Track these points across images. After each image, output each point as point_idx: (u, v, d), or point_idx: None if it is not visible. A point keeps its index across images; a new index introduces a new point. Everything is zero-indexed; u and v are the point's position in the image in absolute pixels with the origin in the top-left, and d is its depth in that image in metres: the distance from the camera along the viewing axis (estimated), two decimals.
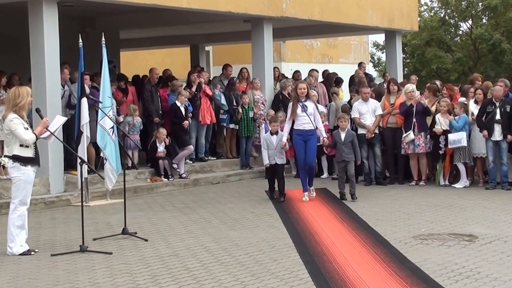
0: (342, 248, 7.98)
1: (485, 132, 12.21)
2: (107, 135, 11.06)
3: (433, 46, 32.77)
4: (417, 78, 18.49)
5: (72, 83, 13.22)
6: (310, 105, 11.23)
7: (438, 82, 15.38)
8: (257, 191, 13.07)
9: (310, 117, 11.10)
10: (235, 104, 15.57)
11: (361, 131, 13.46)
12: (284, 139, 11.29)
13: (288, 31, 20.19)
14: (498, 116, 12.17)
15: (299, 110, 11.13)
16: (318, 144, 11.83)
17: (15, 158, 7.93)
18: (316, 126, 11.25)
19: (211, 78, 17.26)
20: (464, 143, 12.40)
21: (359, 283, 6.51)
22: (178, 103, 14.22)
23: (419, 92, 14.02)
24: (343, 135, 11.60)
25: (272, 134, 11.57)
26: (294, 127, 11.23)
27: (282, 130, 14.93)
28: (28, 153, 8.00)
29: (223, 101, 15.37)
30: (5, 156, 8.00)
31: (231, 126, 15.57)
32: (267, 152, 11.52)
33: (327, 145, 11.99)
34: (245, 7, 15.26)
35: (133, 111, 13.83)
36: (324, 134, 11.51)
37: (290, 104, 11.39)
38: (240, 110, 15.28)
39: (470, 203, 10.94)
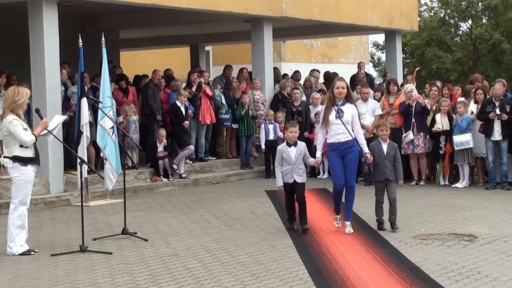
0: (342, 248, 7.98)
1: (491, 114, 12.16)
2: (107, 135, 11.06)
3: (433, 46, 32.78)
4: (417, 69, 18.39)
5: (73, 84, 13.25)
6: (348, 110, 8.70)
7: (438, 83, 15.39)
8: (257, 191, 13.07)
9: (346, 126, 8.65)
10: (235, 104, 15.60)
11: None
12: (319, 155, 8.92)
13: (288, 31, 20.20)
14: (497, 112, 12.14)
15: (332, 116, 8.66)
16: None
17: (15, 159, 7.93)
18: (353, 137, 8.76)
19: (211, 78, 17.27)
20: (471, 144, 12.43)
21: (359, 283, 6.51)
22: (178, 103, 14.22)
23: (418, 92, 14.04)
24: (384, 147, 9.07)
25: (289, 144, 8.93)
26: (327, 140, 8.84)
27: (281, 131, 15.21)
28: (29, 153, 8.00)
29: (224, 101, 15.38)
30: (5, 157, 8.00)
31: (234, 126, 15.55)
32: (281, 169, 8.94)
33: (368, 164, 9.19)
34: (245, 7, 15.26)
35: (129, 110, 13.82)
36: (366, 149, 8.83)
37: (323, 107, 9.20)
38: (246, 107, 15.23)
39: (470, 203, 10.94)
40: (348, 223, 8.79)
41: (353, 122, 8.71)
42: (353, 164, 8.78)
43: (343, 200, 8.95)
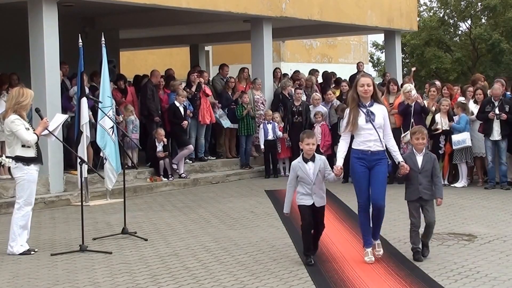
0: (342, 248, 7.99)
1: (491, 114, 12.17)
2: (107, 135, 11.07)
3: (432, 46, 32.81)
4: (413, 69, 18.46)
5: (71, 84, 13.27)
6: (379, 112, 7.26)
7: (437, 82, 15.42)
8: (256, 190, 13.08)
9: (378, 132, 7.20)
10: (233, 103, 15.62)
11: None
12: (340, 163, 7.23)
13: (287, 31, 20.22)
14: (497, 111, 12.16)
15: (361, 119, 7.22)
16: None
17: (18, 159, 7.94)
18: (384, 147, 7.32)
19: (210, 78, 17.27)
20: (468, 143, 12.45)
21: (359, 282, 6.52)
22: (177, 103, 14.24)
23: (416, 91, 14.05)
24: (419, 160, 7.47)
25: (306, 160, 7.30)
26: (353, 146, 7.33)
27: (281, 130, 15.24)
28: (31, 153, 8.01)
29: (227, 123, 15.35)
30: (8, 156, 8.01)
31: (232, 126, 15.56)
32: (294, 189, 7.37)
33: (402, 177, 7.48)
34: (245, 7, 15.27)
35: (125, 111, 13.83)
36: (400, 157, 7.37)
37: (347, 110, 7.40)
38: (247, 107, 15.25)
39: (469, 203, 10.95)
40: (377, 242, 7.41)
41: (384, 126, 7.29)
42: (383, 178, 7.28)
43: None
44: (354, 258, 7.44)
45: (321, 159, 7.32)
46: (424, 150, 7.55)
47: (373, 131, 7.22)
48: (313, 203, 7.24)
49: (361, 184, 7.28)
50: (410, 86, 13.49)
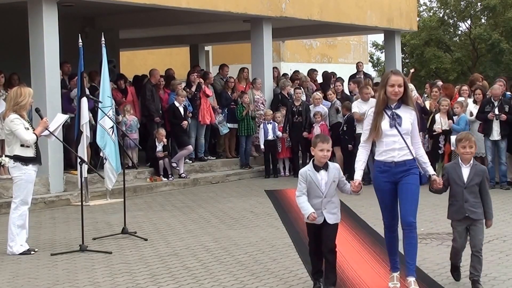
0: (341, 248, 7.96)
1: (490, 115, 12.19)
2: (107, 134, 11.07)
3: (432, 46, 32.84)
4: (412, 71, 18.49)
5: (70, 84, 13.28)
6: (406, 115, 6.17)
7: (439, 83, 15.42)
8: (256, 190, 13.09)
9: (405, 139, 6.12)
10: (233, 103, 15.64)
11: (359, 130, 13.47)
12: (358, 175, 6.20)
13: (287, 31, 20.22)
14: (496, 111, 12.17)
15: (385, 123, 6.14)
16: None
17: (17, 158, 7.95)
18: (414, 155, 6.18)
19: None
20: None
21: (358, 282, 6.52)
22: (177, 103, 14.25)
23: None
24: (465, 172, 6.33)
25: (317, 168, 6.19)
26: (376, 157, 6.25)
27: (281, 131, 15.25)
28: (29, 152, 8.02)
29: (225, 130, 15.37)
30: (6, 156, 8.02)
31: (225, 131, 15.56)
32: (306, 198, 6.20)
33: (436, 190, 6.37)
34: (245, 7, 15.28)
35: (125, 111, 13.84)
36: (431, 169, 6.30)
37: (370, 111, 6.31)
38: (247, 107, 15.26)
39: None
40: (412, 279, 6.16)
41: (412, 133, 6.18)
42: (413, 193, 6.13)
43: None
44: (354, 258, 7.45)
45: (335, 167, 6.21)
46: (472, 161, 6.36)
47: (398, 138, 6.09)
48: (324, 220, 6.11)
49: (386, 202, 6.22)
50: (411, 86, 13.50)
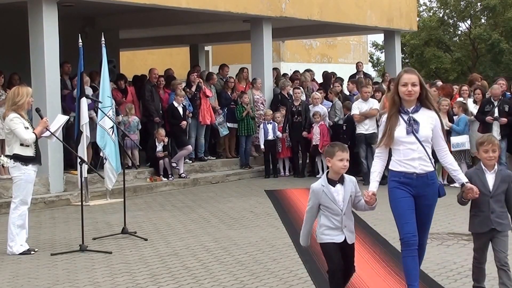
0: None
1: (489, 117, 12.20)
2: (107, 134, 11.08)
3: (432, 46, 32.85)
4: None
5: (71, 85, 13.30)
6: (426, 119, 5.54)
7: (439, 83, 15.43)
8: (256, 190, 13.09)
9: (425, 147, 5.50)
10: (233, 103, 15.65)
11: (359, 130, 13.52)
12: (373, 187, 5.55)
13: (287, 31, 20.23)
14: (496, 114, 12.20)
15: (400, 129, 5.53)
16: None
17: (16, 157, 7.95)
18: (434, 166, 5.61)
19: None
20: (467, 146, 12.46)
21: (358, 282, 6.52)
22: (176, 104, 14.26)
23: None
24: (490, 179, 5.74)
25: (332, 182, 5.52)
26: (391, 167, 5.64)
27: (280, 131, 15.27)
28: (29, 152, 8.02)
29: (225, 131, 15.37)
30: (6, 155, 8.02)
31: (225, 133, 15.55)
32: (314, 219, 5.65)
33: (464, 201, 5.76)
34: (245, 7, 15.28)
35: (128, 110, 13.85)
36: (464, 177, 5.63)
37: (384, 117, 5.71)
38: (247, 108, 15.26)
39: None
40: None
41: (434, 139, 5.55)
42: (431, 215, 5.67)
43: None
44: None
45: (351, 180, 5.54)
46: (496, 167, 5.75)
47: (417, 146, 5.46)
48: (345, 240, 5.47)
49: (404, 214, 5.50)
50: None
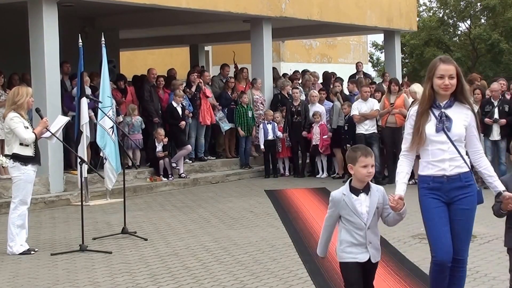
0: None
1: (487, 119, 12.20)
2: (107, 134, 11.08)
3: (432, 46, 32.86)
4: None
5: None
6: (460, 115, 4.93)
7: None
8: (256, 190, 13.09)
9: (457, 146, 4.88)
10: (233, 103, 15.65)
11: (359, 130, 13.52)
12: (400, 191, 4.86)
13: (287, 31, 20.23)
14: (496, 116, 12.21)
15: (430, 126, 4.90)
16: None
17: (15, 157, 7.96)
18: (469, 167, 4.94)
19: (209, 78, 17.28)
20: None
21: None
22: (175, 104, 14.27)
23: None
24: None
25: (355, 190, 4.74)
26: (420, 171, 5.01)
27: (280, 130, 15.26)
28: (28, 152, 8.02)
29: (226, 126, 15.36)
30: (5, 155, 8.03)
31: (227, 128, 15.55)
32: (333, 229, 4.94)
33: (502, 212, 5.07)
34: (244, 7, 15.29)
35: (131, 111, 13.87)
36: (501, 185, 4.94)
37: (412, 111, 5.04)
38: (241, 132, 15.29)
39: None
40: None
41: (468, 139, 4.93)
42: (469, 222, 5.00)
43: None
44: None
45: (379, 190, 4.76)
46: None
47: (449, 146, 4.84)
48: (369, 259, 4.71)
49: (437, 228, 4.89)
50: (417, 87, 13.47)
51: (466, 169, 4.88)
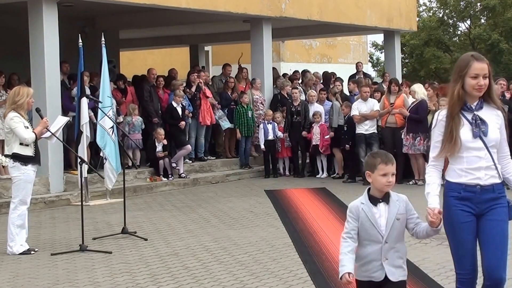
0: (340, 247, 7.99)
1: None
2: (107, 134, 11.08)
3: (432, 46, 32.87)
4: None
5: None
6: (492, 118, 4.45)
7: (435, 84, 15.45)
8: (256, 190, 13.10)
9: (492, 153, 4.42)
10: (233, 103, 15.66)
11: (359, 130, 13.53)
12: (434, 203, 4.43)
13: (287, 31, 20.24)
14: None
15: (466, 131, 4.41)
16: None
17: (15, 157, 7.96)
18: (501, 177, 4.48)
19: (210, 77, 17.29)
20: None
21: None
22: (174, 104, 14.28)
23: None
24: None
25: (374, 200, 4.26)
26: (448, 177, 4.52)
27: (281, 131, 15.27)
28: (28, 151, 8.03)
29: (226, 124, 15.36)
30: (5, 155, 8.03)
31: (227, 126, 15.55)
32: (355, 243, 4.25)
33: None
34: (244, 7, 15.29)
35: (132, 111, 13.88)
36: None
37: (440, 115, 4.52)
38: (239, 134, 15.29)
39: None
40: None
41: (500, 143, 4.48)
42: (503, 234, 4.41)
43: None
44: None
45: (400, 199, 4.29)
46: None
47: (485, 152, 4.38)
48: (386, 277, 4.16)
49: (464, 243, 4.44)
50: (418, 87, 13.47)
51: (499, 180, 4.44)
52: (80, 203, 8.85)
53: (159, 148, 13.74)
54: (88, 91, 12.68)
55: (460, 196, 4.40)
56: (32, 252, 8.08)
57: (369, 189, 4.27)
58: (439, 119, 4.47)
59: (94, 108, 12.20)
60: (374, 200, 4.23)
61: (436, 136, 4.48)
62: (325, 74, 18.65)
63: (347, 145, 13.86)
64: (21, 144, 7.98)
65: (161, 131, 13.84)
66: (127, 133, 12.73)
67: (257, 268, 7.12)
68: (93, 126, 12.00)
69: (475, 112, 4.39)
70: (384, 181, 4.18)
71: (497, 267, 4.35)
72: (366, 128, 13.49)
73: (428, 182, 4.52)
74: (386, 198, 4.24)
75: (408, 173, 13.29)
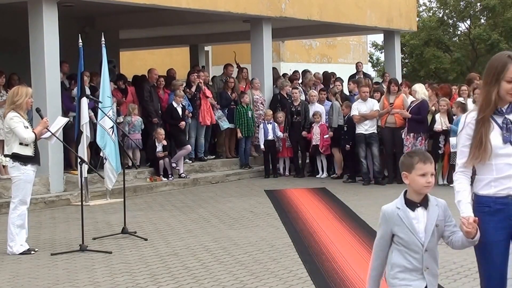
0: (341, 247, 8.01)
1: None
2: (107, 134, 11.09)
3: (432, 46, 32.85)
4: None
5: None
6: None
7: (435, 85, 15.47)
8: (256, 190, 13.10)
9: None
10: (233, 103, 15.66)
11: (359, 130, 13.53)
12: (469, 212, 4.01)
13: (287, 31, 20.24)
14: None
15: (496, 136, 4.03)
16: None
17: (15, 157, 7.96)
18: None
19: (210, 78, 17.29)
20: None
21: (358, 281, 6.53)
22: (175, 104, 14.28)
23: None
24: None
25: (412, 204, 3.94)
26: (476, 190, 4.17)
27: (281, 131, 15.26)
28: (28, 151, 8.03)
29: (225, 125, 15.36)
30: (5, 155, 8.04)
31: (226, 126, 15.55)
32: (383, 255, 4.00)
33: None
34: (244, 7, 15.29)
35: (131, 110, 13.88)
36: None
37: (468, 118, 4.12)
38: (239, 134, 15.30)
39: None
40: None
41: None
42: None
43: None
44: (354, 258, 7.45)
45: (439, 203, 4.02)
46: None
47: None
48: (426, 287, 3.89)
49: (496, 261, 4.12)
50: (419, 87, 13.47)
51: None
52: (80, 203, 8.85)
53: (159, 148, 13.74)
54: (88, 91, 12.68)
55: (492, 210, 4.03)
56: (32, 252, 8.08)
57: (405, 192, 3.97)
58: (467, 122, 4.10)
59: (94, 108, 12.20)
60: (411, 205, 3.92)
61: (463, 140, 4.11)
62: (325, 74, 18.64)
63: (347, 146, 13.85)
64: (20, 144, 7.98)
65: (161, 131, 13.84)
66: (127, 133, 12.73)
67: (257, 268, 7.12)
68: (93, 126, 12.01)
69: (506, 116, 4.03)
70: (423, 181, 3.89)
71: None
72: (366, 128, 13.50)
73: (458, 190, 4.14)
74: (424, 202, 3.94)
75: None
